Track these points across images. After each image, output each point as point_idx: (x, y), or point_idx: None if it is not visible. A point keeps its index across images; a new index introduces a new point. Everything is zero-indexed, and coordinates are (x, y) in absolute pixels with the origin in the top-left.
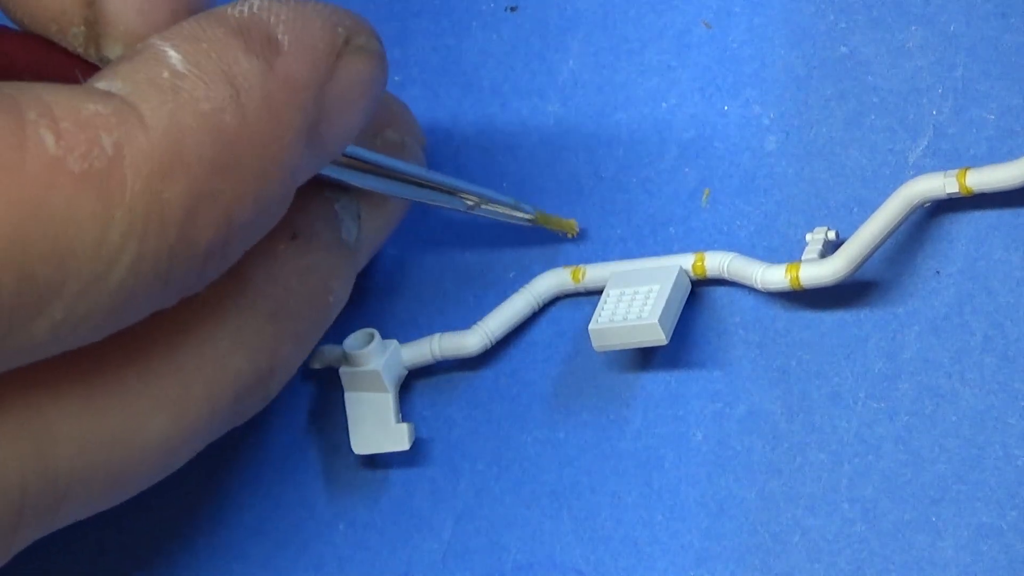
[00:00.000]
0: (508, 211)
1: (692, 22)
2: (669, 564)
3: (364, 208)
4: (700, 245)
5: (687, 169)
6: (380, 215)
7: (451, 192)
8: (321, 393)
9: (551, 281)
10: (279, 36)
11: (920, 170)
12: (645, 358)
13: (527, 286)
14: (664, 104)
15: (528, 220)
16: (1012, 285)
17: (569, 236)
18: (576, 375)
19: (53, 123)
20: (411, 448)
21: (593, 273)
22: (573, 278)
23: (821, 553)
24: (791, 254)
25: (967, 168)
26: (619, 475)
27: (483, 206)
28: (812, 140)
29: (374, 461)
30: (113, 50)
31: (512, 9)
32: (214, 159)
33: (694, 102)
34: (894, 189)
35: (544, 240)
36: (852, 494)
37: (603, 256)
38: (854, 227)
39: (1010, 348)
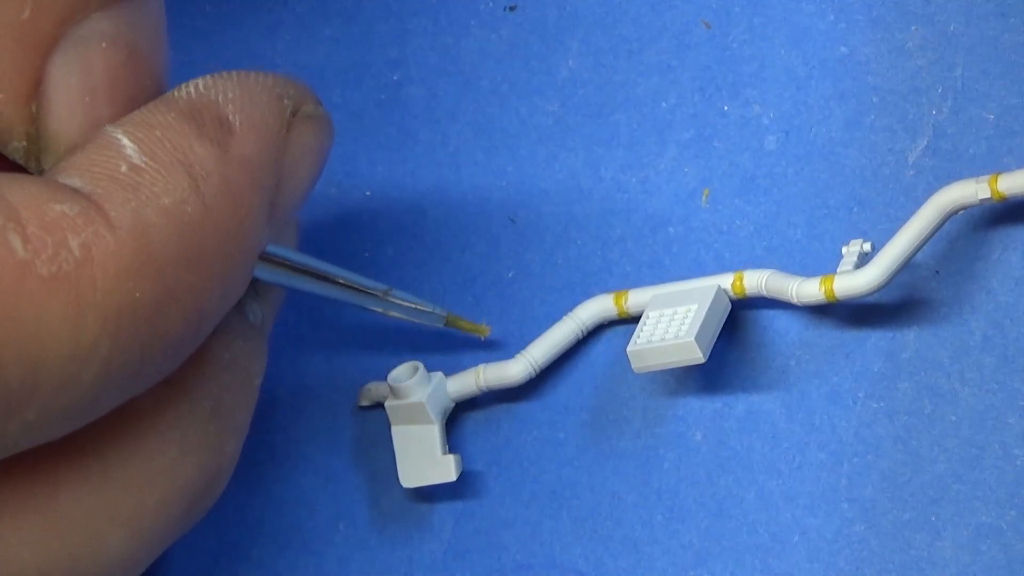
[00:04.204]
0: (417, 308)
1: (692, 22)
2: (668, 564)
3: (258, 283)
4: (699, 245)
5: (687, 169)
6: (273, 287)
7: (361, 290)
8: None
9: (594, 308)
10: (229, 117)
11: (920, 170)
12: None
13: (571, 313)
14: (664, 104)
15: (437, 319)
16: (1011, 285)
17: (481, 338)
18: (577, 379)
19: (20, 226)
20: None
21: (636, 298)
22: (616, 304)
23: (820, 553)
24: (790, 254)
25: (998, 173)
26: (618, 475)
27: (391, 299)
28: (812, 140)
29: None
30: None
31: (511, 8)
32: (180, 252)
33: (694, 102)
34: (893, 189)
35: (543, 243)
36: (851, 494)
37: (602, 256)
38: (854, 227)
39: (1009, 348)
